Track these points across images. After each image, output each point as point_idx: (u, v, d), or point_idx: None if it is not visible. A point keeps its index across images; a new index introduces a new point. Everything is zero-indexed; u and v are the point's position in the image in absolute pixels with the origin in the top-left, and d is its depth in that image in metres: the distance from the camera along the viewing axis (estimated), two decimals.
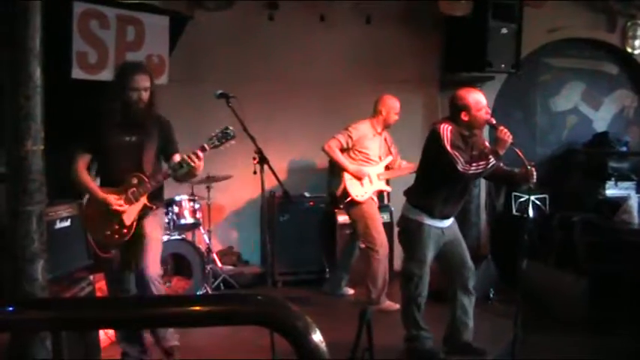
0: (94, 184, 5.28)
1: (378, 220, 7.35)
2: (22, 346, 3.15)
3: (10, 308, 1.58)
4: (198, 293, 7.18)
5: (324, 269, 8.29)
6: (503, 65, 8.36)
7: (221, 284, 7.85)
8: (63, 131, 6.51)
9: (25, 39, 3.17)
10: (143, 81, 5.16)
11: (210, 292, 7.41)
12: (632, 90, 10.07)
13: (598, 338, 6.34)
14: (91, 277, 5.61)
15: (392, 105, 7.31)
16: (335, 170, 7.47)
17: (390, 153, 7.50)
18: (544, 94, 9.75)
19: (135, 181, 5.23)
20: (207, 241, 7.73)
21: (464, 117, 5.36)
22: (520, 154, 5.22)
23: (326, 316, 6.60)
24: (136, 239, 5.24)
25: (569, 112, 9.84)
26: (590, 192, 8.74)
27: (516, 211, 7.86)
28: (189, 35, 7.83)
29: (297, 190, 8.28)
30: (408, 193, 5.82)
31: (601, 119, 9.96)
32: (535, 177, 5.26)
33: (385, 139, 7.47)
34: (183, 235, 7.42)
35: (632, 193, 8.14)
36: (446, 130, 5.31)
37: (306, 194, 8.45)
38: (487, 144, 5.69)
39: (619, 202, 7.77)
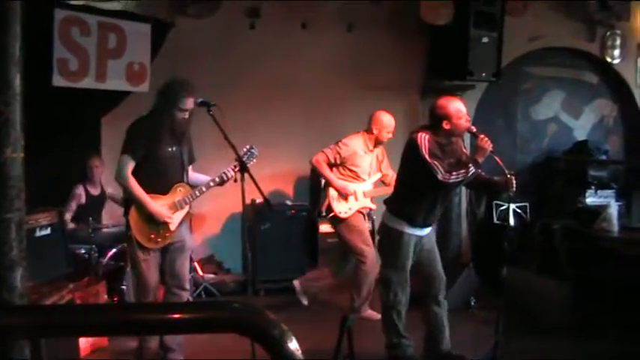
0: (145, 194, 5.54)
1: (365, 232, 7.25)
2: (1, 354, 3.13)
3: None
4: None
5: None
6: (484, 74, 8.41)
7: (202, 293, 7.84)
8: (44, 139, 6.52)
9: (5, 46, 3.16)
10: (192, 103, 5.52)
11: (191, 300, 7.38)
12: (611, 99, 10.16)
13: (579, 343, 6.39)
14: (71, 285, 5.59)
15: (385, 124, 7.10)
16: (321, 184, 7.43)
17: (380, 170, 7.34)
18: (525, 102, 9.81)
19: (181, 189, 5.69)
20: None
21: (445, 126, 5.38)
22: (500, 162, 5.25)
23: (307, 324, 6.61)
24: (176, 245, 5.73)
25: (550, 121, 9.91)
26: (571, 200, 8.79)
27: (497, 219, 7.89)
28: (170, 42, 7.83)
29: (279, 198, 8.28)
30: (388, 201, 5.83)
31: (581, 128, 10.04)
32: (515, 185, 5.30)
33: (377, 156, 7.31)
34: None
35: (612, 201, 8.18)
36: (424, 139, 5.32)
37: (288, 202, 8.46)
38: (465, 151, 5.73)
39: (599, 210, 7.80)
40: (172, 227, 5.64)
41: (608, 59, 9.80)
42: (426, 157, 5.24)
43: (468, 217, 9.05)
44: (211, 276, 8.15)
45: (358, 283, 7.14)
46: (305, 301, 7.52)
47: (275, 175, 8.56)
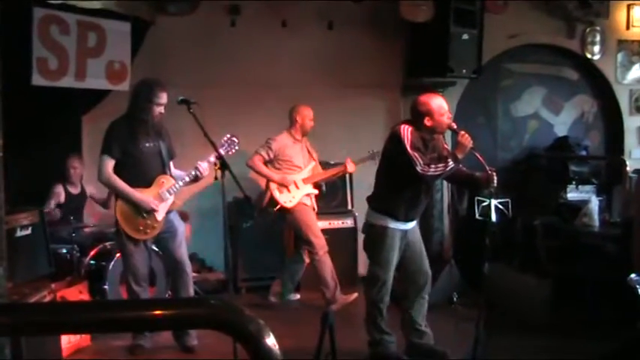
0: (128, 187, 5.79)
1: (314, 224, 7.51)
2: None
3: None
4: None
5: None
6: (464, 70, 8.43)
7: None
8: (24, 138, 6.49)
9: None
10: (165, 97, 5.81)
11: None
12: (591, 95, 10.19)
13: (560, 340, 6.40)
14: (52, 285, 5.58)
15: (305, 113, 7.56)
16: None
17: (313, 159, 7.70)
18: (505, 99, 9.83)
19: (163, 181, 5.90)
20: None
21: (427, 122, 5.40)
22: (480, 158, 5.28)
23: (290, 322, 6.62)
24: (166, 235, 5.99)
25: (531, 117, 9.93)
26: (552, 196, 8.81)
27: (479, 216, 7.90)
28: (150, 41, 7.81)
29: (261, 196, 8.26)
30: (370, 199, 5.84)
31: (561, 124, 10.07)
32: (495, 181, 5.33)
33: (306, 146, 7.68)
34: None
35: (593, 197, 8.21)
36: (406, 130, 5.35)
37: None
38: (447, 147, 5.75)
39: (580, 206, 7.86)
40: (159, 217, 5.85)
41: (588, 55, 9.84)
42: (407, 147, 5.26)
43: (450, 214, 9.07)
44: (194, 274, 8.11)
45: (320, 275, 7.35)
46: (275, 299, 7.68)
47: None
